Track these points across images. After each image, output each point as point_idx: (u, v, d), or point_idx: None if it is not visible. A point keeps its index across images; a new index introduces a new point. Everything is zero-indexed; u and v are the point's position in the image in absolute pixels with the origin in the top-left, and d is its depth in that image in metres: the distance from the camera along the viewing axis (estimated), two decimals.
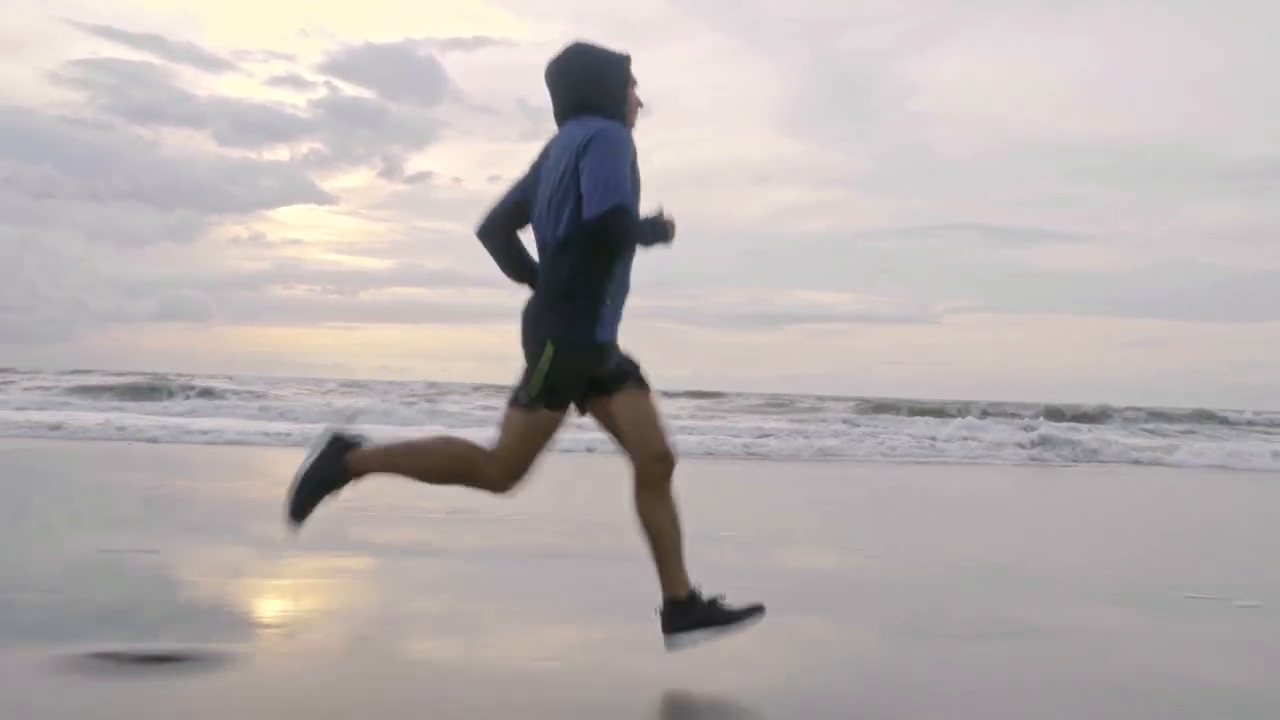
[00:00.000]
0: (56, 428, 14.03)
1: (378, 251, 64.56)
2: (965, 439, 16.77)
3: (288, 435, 14.18)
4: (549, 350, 3.07)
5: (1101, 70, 56.44)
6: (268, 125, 54.24)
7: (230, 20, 62.21)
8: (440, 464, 3.22)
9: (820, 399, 32.28)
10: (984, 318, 62.34)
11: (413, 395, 28.07)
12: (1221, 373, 54.01)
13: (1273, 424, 27.18)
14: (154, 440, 13.28)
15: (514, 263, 3.34)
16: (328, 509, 3.24)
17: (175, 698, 2.88)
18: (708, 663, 3.36)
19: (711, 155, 59.37)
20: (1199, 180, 56.08)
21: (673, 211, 3.17)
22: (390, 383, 36.60)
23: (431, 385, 34.53)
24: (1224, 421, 27.83)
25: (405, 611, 4.13)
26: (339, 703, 2.89)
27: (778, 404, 30.55)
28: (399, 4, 64.03)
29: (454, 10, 65.93)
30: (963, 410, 23.88)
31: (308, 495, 3.21)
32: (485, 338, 51.75)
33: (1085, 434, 18.30)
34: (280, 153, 56.90)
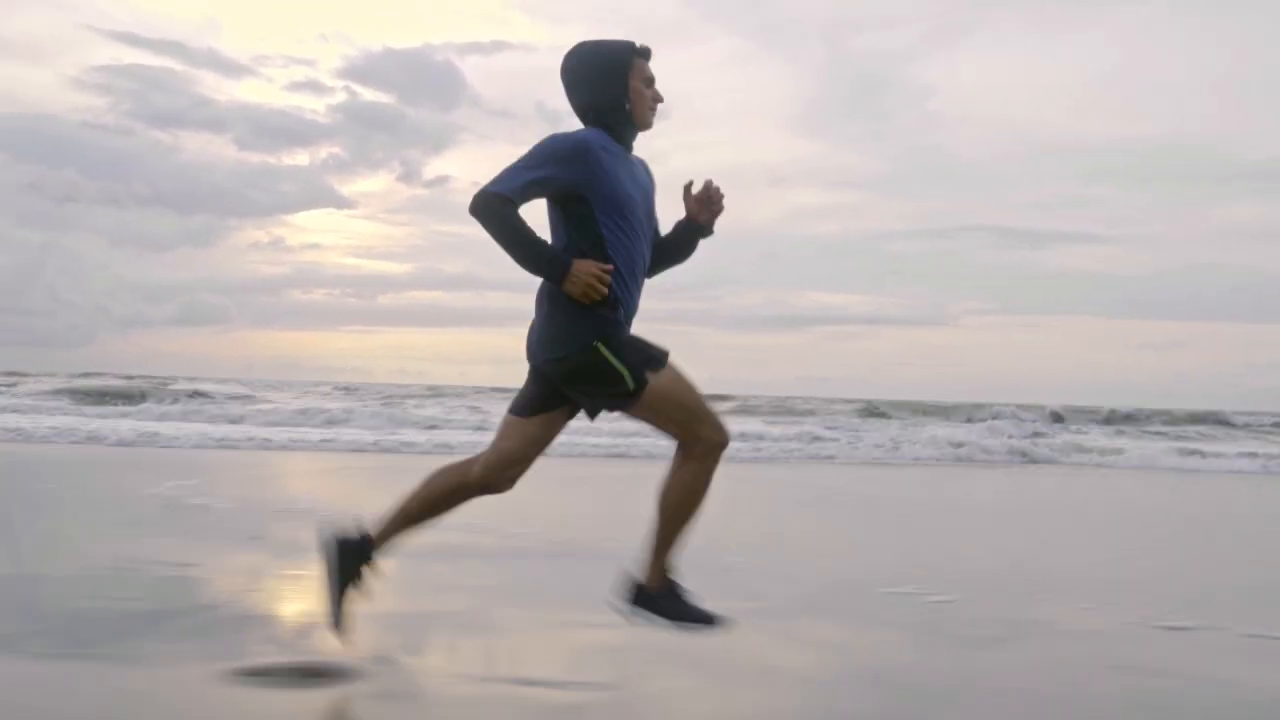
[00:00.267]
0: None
1: (396, 255, 64.96)
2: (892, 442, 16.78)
3: (222, 439, 14.38)
4: (601, 349, 3.00)
5: (1119, 71, 56.00)
6: (287, 130, 54.66)
7: (250, 26, 63.00)
8: (692, 501, 3.12)
9: (828, 401, 32.23)
10: (1000, 320, 61.98)
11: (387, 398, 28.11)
12: (1241, 375, 53.42)
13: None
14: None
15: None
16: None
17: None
18: (729, 668, 3.39)
19: (727, 157, 59.18)
20: (1218, 181, 55.60)
21: (598, 269, 2.99)
22: (396, 385, 36.83)
23: (432, 389, 34.77)
24: (1223, 423, 27.62)
25: (425, 612, 4.11)
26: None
27: (780, 408, 30.51)
28: (417, 9, 64.49)
29: (472, 14, 66.41)
30: (948, 412, 23.83)
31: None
32: (504, 341, 51.84)
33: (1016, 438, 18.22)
34: (300, 157, 57.42)
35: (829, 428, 19.65)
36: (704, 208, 3.29)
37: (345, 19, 67.88)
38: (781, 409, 29.46)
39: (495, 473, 3.19)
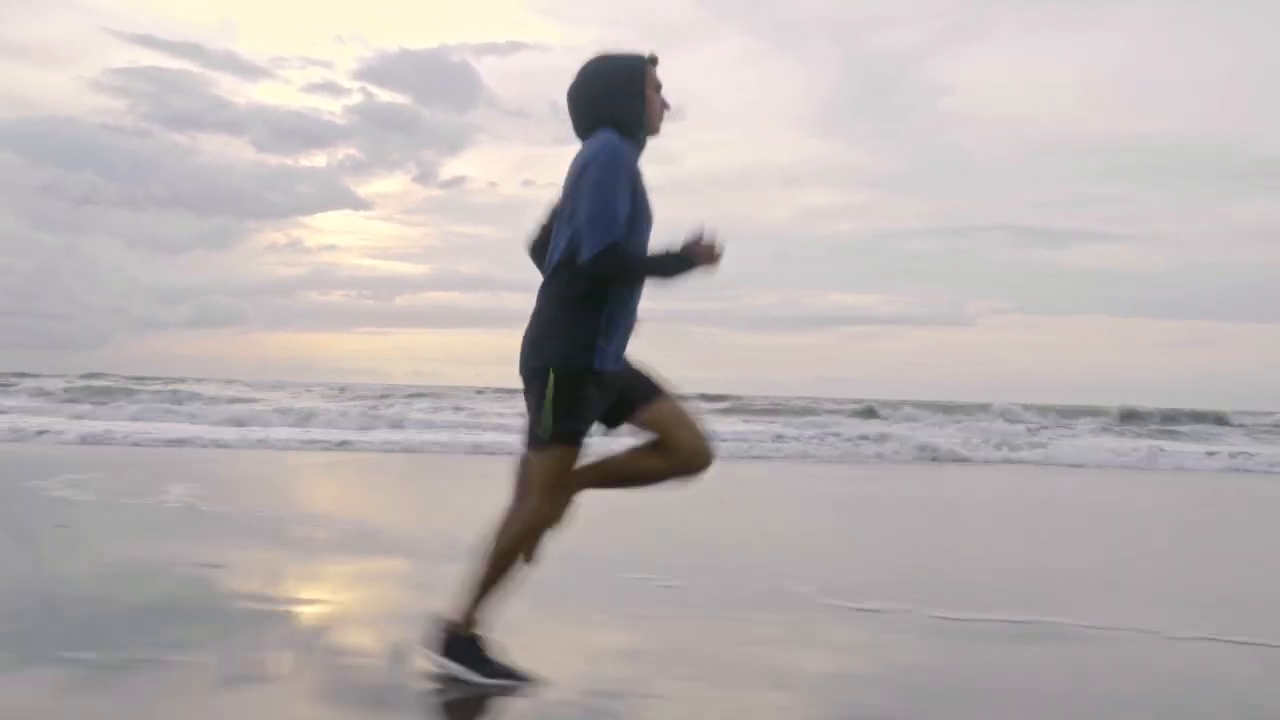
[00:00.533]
0: None
1: (413, 256, 65.46)
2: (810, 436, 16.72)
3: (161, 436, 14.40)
4: (550, 378, 3.01)
5: (1133, 68, 55.61)
6: (304, 132, 55.13)
7: (267, 28, 63.70)
8: (510, 556, 3.11)
9: (835, 401, 32.03)
10: (1017, 319, 61.49)
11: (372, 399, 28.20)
12: (1258, 373, 52.53)
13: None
14: None
15: None
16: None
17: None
18: (746, 671, 3.38)
19: (741, 157, 59.33)
20: (1233, 178, 54.89)
21: (714, 232, 3.07)
22: (397, 385, 36.94)
23: (425, 389, 34.92)
24: (1220, 421, 27.30)
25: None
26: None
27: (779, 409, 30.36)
28: (433, 10, 65.03)
29: (488, 15, 66.94)
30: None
31: (486, 674, 3.11)
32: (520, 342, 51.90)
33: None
34: (317, 159, 57.95)
35: (793, 427, 19.50)
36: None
37: (361, 20, 68.44)
38: (776, 409, 29.34)
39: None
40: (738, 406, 29.39)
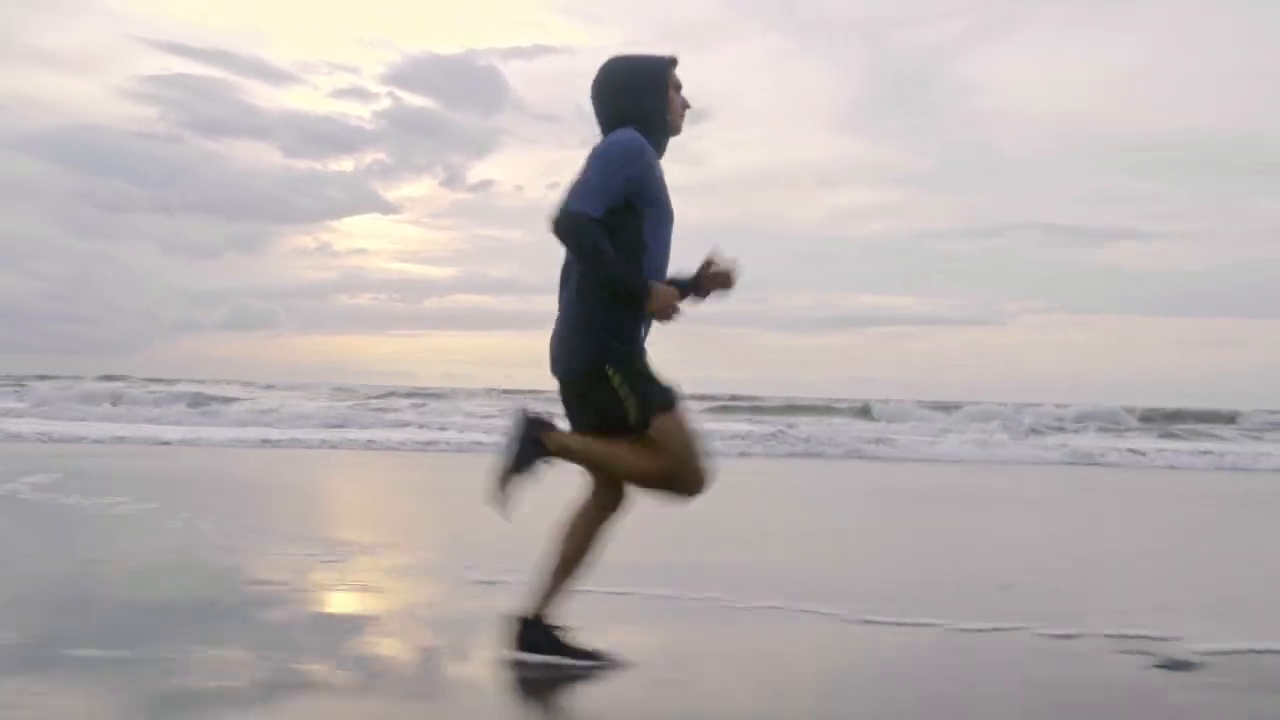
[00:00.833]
0: None
1: (441, 260, 65.79)
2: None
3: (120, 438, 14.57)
4: (609, 375, 3.01)
5: (1164, 63, 54.69)
6: (333, 136, 55.52)
7: (295, 34, 64.23)
8: (639, 467, 3.08)
9: (830, 401, 31.75)
10: (1054, 318, 60.46)
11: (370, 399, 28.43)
12: None
13: None
14: None
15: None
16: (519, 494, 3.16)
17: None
18: (781, 672, 3.32)
19: (770, 157, 59.11)
20: (1267, 174, 53.52)
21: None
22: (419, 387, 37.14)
23: (426, 390, 35.08)
24: (1230, 422, 26.73)
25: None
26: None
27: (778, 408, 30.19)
28: (459, 14, 65.37)
29: (514, 19, 67.10)
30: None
31: (509, 475, 3.14)
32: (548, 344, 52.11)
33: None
34: (345, 163, 58.29)
35: (756, 424, 19.42)
36: (714, 283, 3.24)
37: (388, 25, 68.90)
38: (767, 408, 29.20)
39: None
40: (731, 406, 29.35)
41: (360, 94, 59.13)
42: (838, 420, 24.97)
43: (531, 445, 3.12)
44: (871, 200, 58.33)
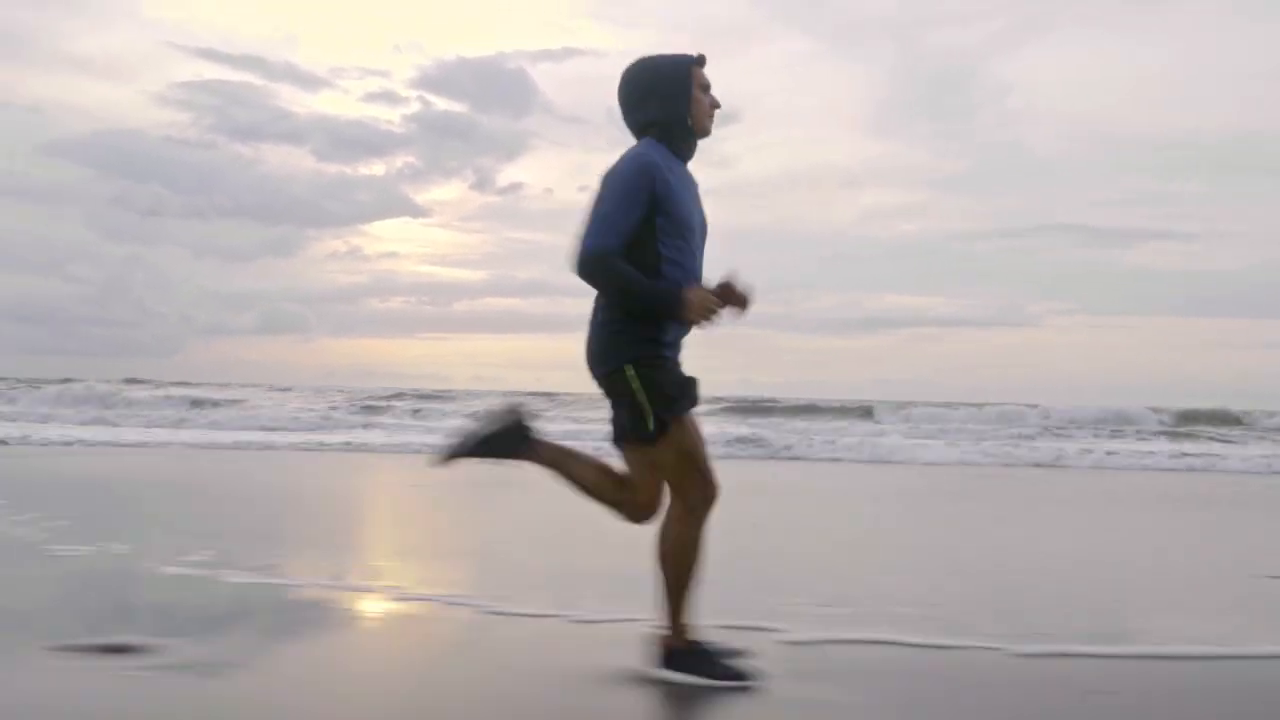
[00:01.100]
0: None
1: (471, 263, 66.10)
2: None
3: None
4: (628, 374, 3.01)
5: (1197, 64, 53.79)
6: (364, 141, 55.93)
7: (327, 39, 65.12)
8: (597, 481, 3.20)
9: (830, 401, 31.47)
10: (1084, 320, 59.31)
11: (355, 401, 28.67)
12: None
13: None
14: None
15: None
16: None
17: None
18: (821, 684, 3.23)
19: (799, 159, 58.75)
20: None
21: (713, 295, 3.04)
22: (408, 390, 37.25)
23: (428, 393, 35.25)
24: (1238, 422, 26.09)
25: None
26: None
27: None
28: (489, 18, 65.72)
29: (543, 22, 67.32)
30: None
31: (474, 449, 3.21)
32: (579, 346, 52.28)
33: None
34: (375, 167, 58.78)
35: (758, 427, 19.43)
36: (729, 302, 3.21)
37: (418, 30, 69.29)
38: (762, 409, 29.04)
39: (701, 487, 3.12)
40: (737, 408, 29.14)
41: (391, 98, 59.66)
42: (839, 422, 24.73)
43: (516, 439, 3.20)
44: (899, 201, 57.85)
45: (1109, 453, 16.54)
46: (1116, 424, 24.47)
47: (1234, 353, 54.54)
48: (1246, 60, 53.86)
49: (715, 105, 3.18)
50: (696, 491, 3.09)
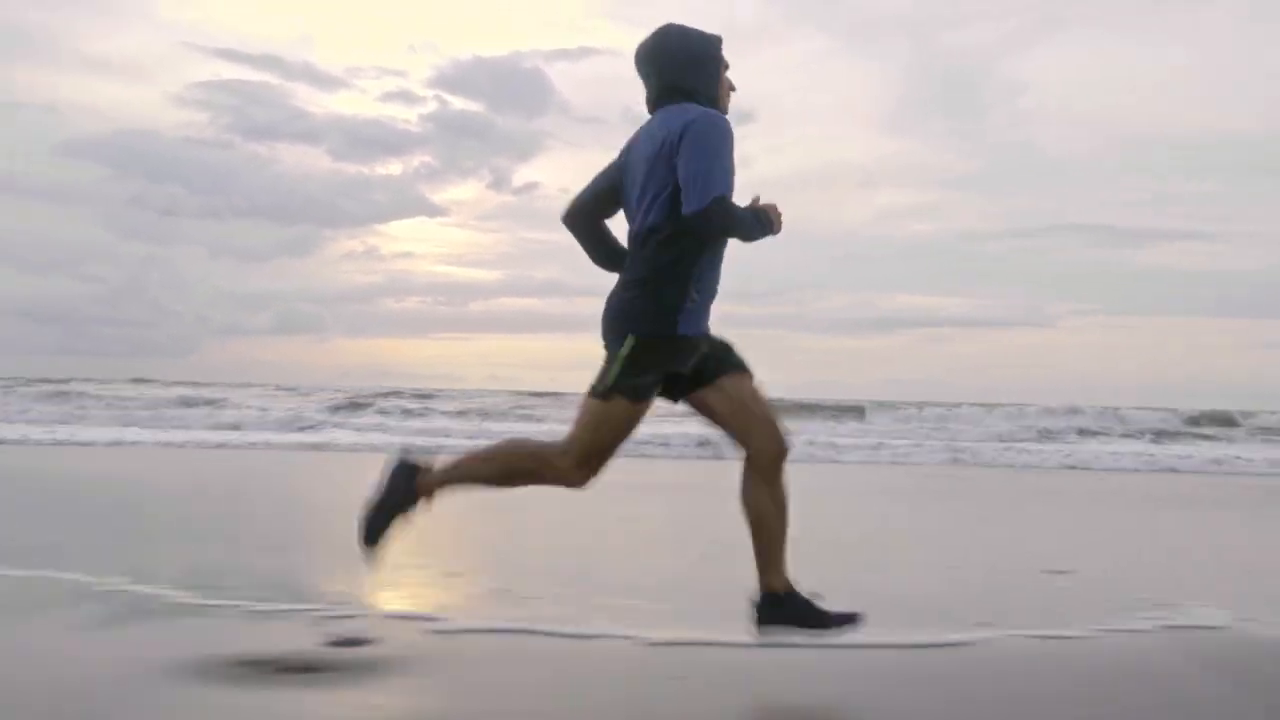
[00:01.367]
0: None
1: (487, 263, 66.21)
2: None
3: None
4: (629, 340, 3.05)
5: (1216, 63, 53.02)
6: (380, 140, 56.17)
7: (344, 39, 65.63)
8: (511, 464, 3.25)
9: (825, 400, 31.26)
10: (1098, 320, 58.68)
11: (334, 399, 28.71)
12: None
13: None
14: None
15: (602, 250, 3.36)
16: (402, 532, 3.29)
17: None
18: (879, 681, 3.31)
19: (814, 159, 58.46)
20: None
21: (774, 202, 3.15)
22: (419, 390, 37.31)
23: (424, 394, 35.28)
24: (1229, 423, 25.73)
25: None
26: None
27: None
28: (505, 17, 65.94)
29: (559, 22, 67.46)
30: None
31: (381, 521, 3.22)
32: (595, 347, 52.31)
33: None
34: (392, 167, 59.01)
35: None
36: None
37: (435, 29, 69.58)
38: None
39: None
40: None
41: (407, 97, 60.10)
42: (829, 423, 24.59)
43: (404, 482, 3.22)
44: (915, 201, 57.52)
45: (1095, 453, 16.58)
46: (1106, 424, 24.21)
47: (1252, 353, 53.80)
48: (1263, 60, 53.36)
49: (732, 87, 3.24)
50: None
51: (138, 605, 4.14)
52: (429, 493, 3.23)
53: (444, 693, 3.08)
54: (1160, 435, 23.03)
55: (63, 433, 16.30)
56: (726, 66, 3.22)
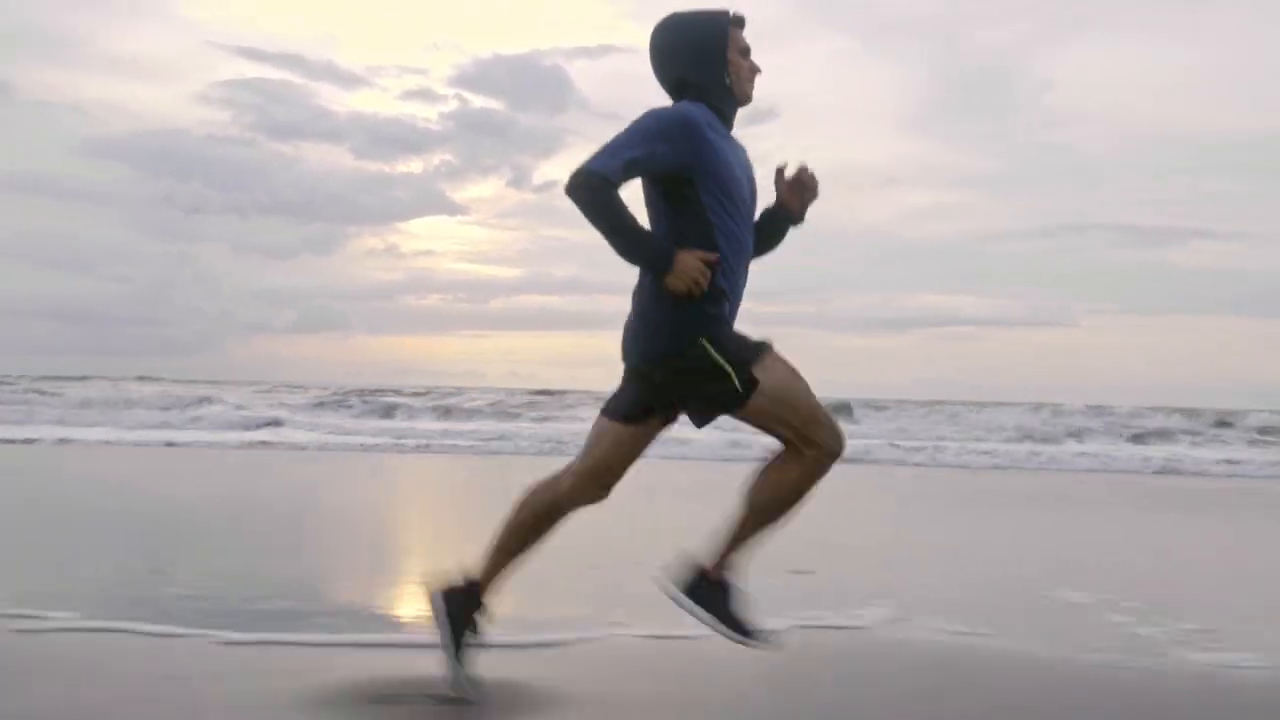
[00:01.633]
0: None
1: (507, 260, 66.39)
2: None
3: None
4: (705, 346, 2.75)
5: (1244, 61, 51.89)
6: (401, 138, 56.36)
7: (366, 38, 66.04)
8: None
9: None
10: (1126, 320, 57.63)
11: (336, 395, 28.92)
12: None
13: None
14: None
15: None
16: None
17: None
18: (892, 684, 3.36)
19: (837, 158, 57.84)
20: None
21: (706, 256, 2.78)
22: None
23: (429, 390, 35.39)
24: (1225, 424, 25.11)
25: None
26: None
27: None
28: (526, 15, 66.14)
29: (579, 19, 67.64)
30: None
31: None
32: (614, 345, 52.34)
33: None
34: (413, 165, 59.17)
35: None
36: (796, 194, 3.07)
37: (456, 28, 69.89)
38: None
39: (589, 483, 2.97)
40: None
41: (428, 96, 59.85)
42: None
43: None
44: (939, 201, 56.86)
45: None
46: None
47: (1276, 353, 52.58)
48: None
49: (755, 70, 2.97)
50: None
51: None
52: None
53: None
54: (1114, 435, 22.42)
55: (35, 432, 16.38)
56: (745, 50, 2.95)
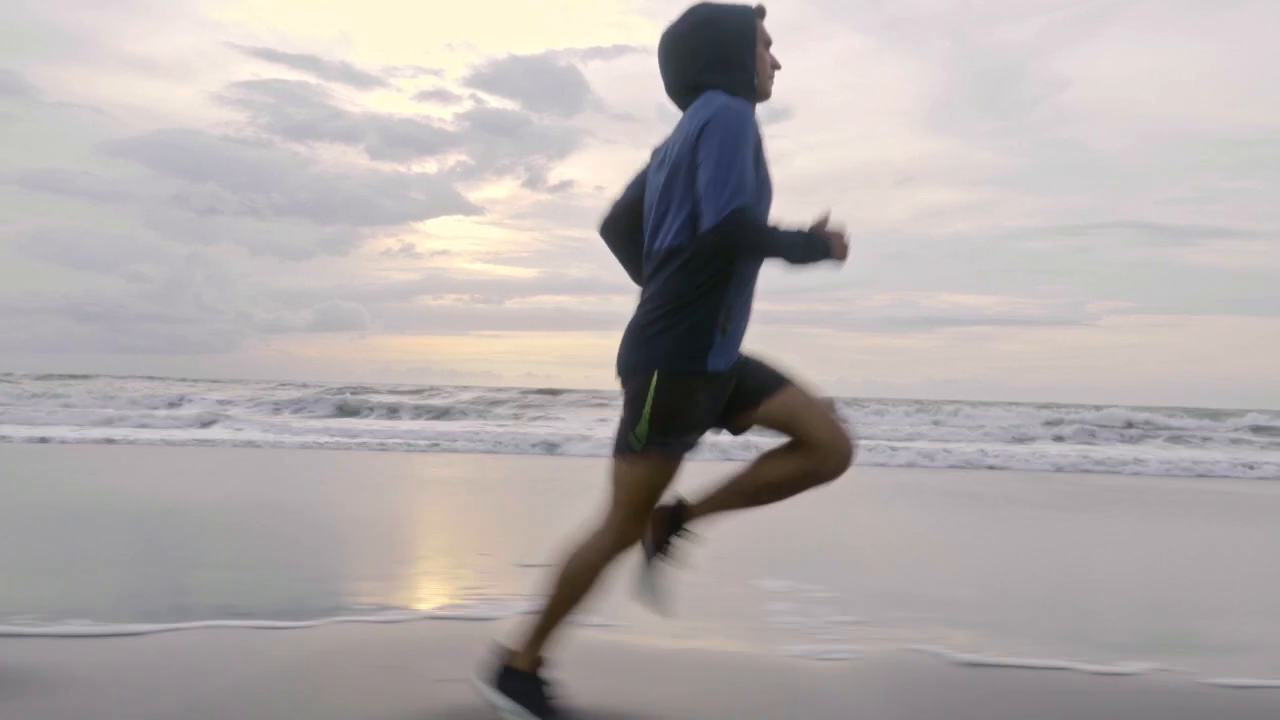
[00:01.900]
0: None
1: (523, 260, 66.47)
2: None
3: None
4: (653, 380, 2.60)
5: (1261, 59, 50.84)
6: (416, 139, 56.94)
7: (381, 39, 66.32)
8: (573, 579, 2.81)
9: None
10: (1142, 319, 56.90)
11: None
12: None
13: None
14: None
15: (635, 265, 2.94)
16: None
17: None
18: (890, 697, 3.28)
19: (854, 157, 57.74)
20: None
21: (840, 221, 2.67)
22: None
23: (432, 390, 35.18)
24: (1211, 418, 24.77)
25: None
26: None
27: None
28: (540, 16, 66.18)
29: (594, 20, 67.61)
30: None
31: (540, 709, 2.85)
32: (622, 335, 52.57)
33: None
34: (429, 165, 59.64)
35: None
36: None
37: (471, 28, 70.24)
38: None
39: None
40: None
41: (443, 96, 60.33)
42: None
43: (525, 689, 2.83)
44: (956, 199, 56.50)
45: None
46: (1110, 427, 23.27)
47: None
48: None
49: (776, 65, 2.81)
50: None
51: None
52: (535, 664, 2.84)
53: None
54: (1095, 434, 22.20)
55: None
56: (769, 43, 2.79)
